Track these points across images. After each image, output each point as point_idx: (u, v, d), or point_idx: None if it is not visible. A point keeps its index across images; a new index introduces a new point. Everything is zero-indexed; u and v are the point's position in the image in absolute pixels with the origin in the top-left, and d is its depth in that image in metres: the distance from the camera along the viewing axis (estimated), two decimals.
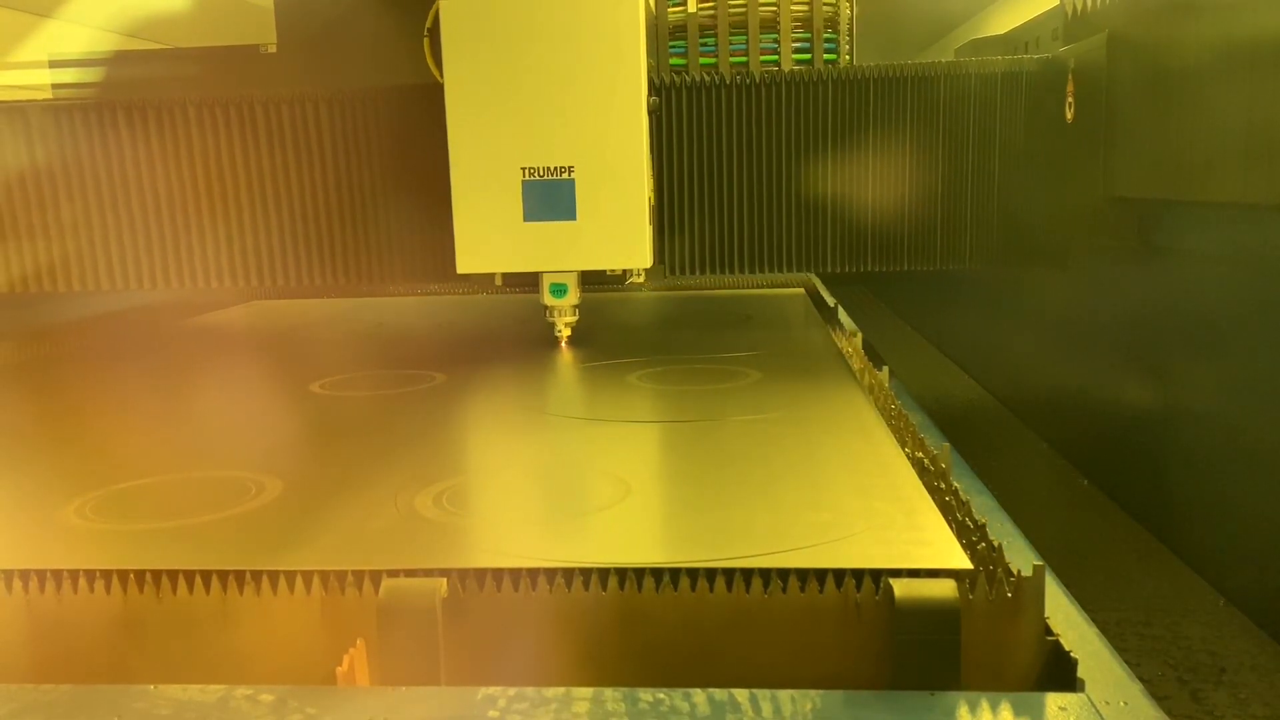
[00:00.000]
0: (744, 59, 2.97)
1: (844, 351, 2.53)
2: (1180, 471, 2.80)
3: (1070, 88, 2.80)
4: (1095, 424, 3.42)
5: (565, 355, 2.68)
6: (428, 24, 2.73)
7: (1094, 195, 2.85)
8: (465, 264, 2.52)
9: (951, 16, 5.90)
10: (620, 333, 3.13)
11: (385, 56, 2.89)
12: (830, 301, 3.39)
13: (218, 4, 5.21)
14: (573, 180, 2.47)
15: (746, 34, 2.95)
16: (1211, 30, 2.41)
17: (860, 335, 2.58)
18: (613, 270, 2.56)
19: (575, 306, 2.63)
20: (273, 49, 3.01)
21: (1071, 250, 2.89)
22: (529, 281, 2.61)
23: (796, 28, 2.92)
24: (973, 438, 2.11)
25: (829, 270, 2.91)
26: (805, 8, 2.90)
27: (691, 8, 2.93)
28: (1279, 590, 2.28)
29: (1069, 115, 2.82)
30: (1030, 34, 3.91)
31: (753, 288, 3.88)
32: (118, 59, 3.26)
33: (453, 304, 3.77)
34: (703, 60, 2.97)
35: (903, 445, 1.65)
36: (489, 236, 2.49)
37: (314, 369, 2.59)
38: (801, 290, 3.78)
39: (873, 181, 2.83)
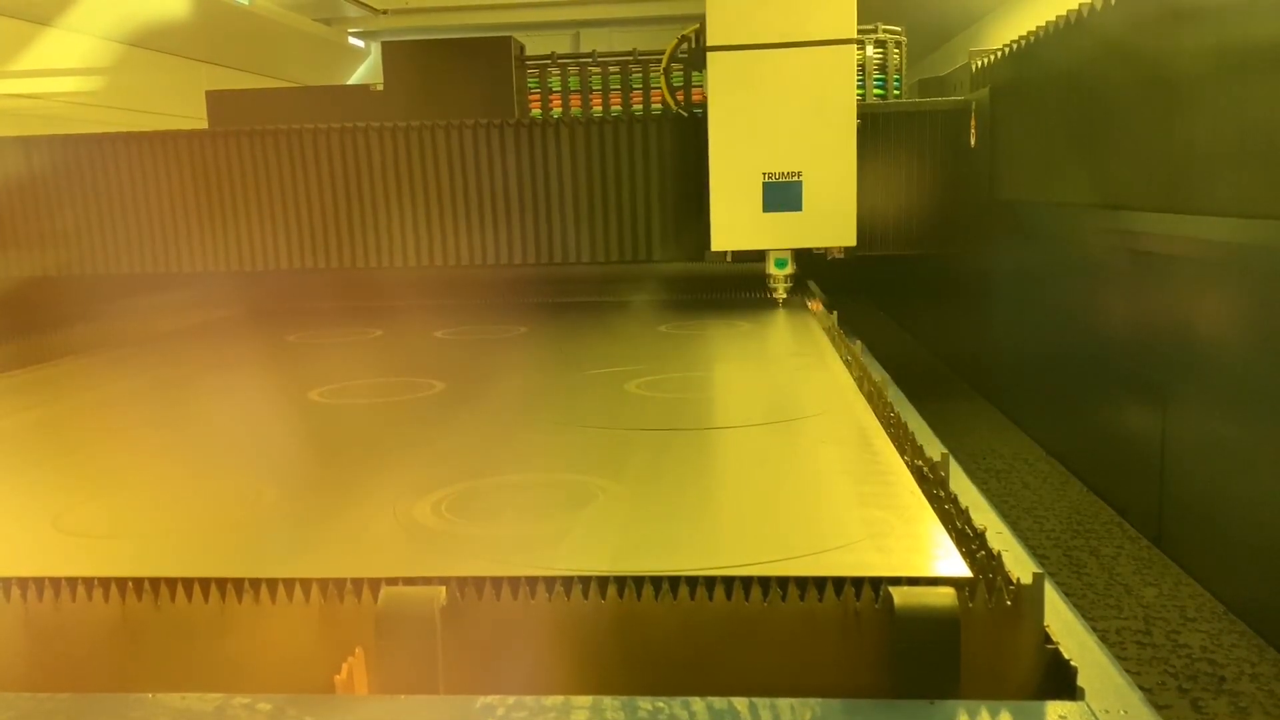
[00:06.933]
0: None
1: (842, 357, 2.53)
2: (1038, 377, 3.90)
3: (973, 122, 3.90)
4: (1000, 364, 4.45)
5: (567, 360, 2.75)
6: (663, 64, 3.66)
7: (985, 198, 3.99)
8: (718, 243, 3.39)
9: (949, 27, 5.95)
10: (617, 340, 3.14)
11: (474, 95, 3.71)
12: (826, 305, 3.40)
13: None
14: (800, 181, 3.32)
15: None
16: (1047, 88, 3.49)
17: (860, 342, 2.58)
18: (818, 250, 3.43)
19: (789, 275, 3.49)
20: (380, 87, 3.80)
21: (968, 239, 3.92)
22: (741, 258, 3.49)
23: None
24: (913, 384, 2.41)
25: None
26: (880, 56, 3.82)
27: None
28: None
29: (973, 142, 3.91)
30: (958, 78, 4.92)
31: (748, 290, 3.88)
32: (264, 94, 4.12)
33: (450, 310, 3.77)
34: None
35: (902, 453, 1.65)
36: (736, 223, 3.38)
37: (313, 376, 2.59)
38: (799, 295, 3.78)
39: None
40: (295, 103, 3.86)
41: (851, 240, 3.34)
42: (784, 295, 3.53)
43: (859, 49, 3.59)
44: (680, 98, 3.70)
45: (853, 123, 3.29)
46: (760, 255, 3.50)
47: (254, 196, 3.62)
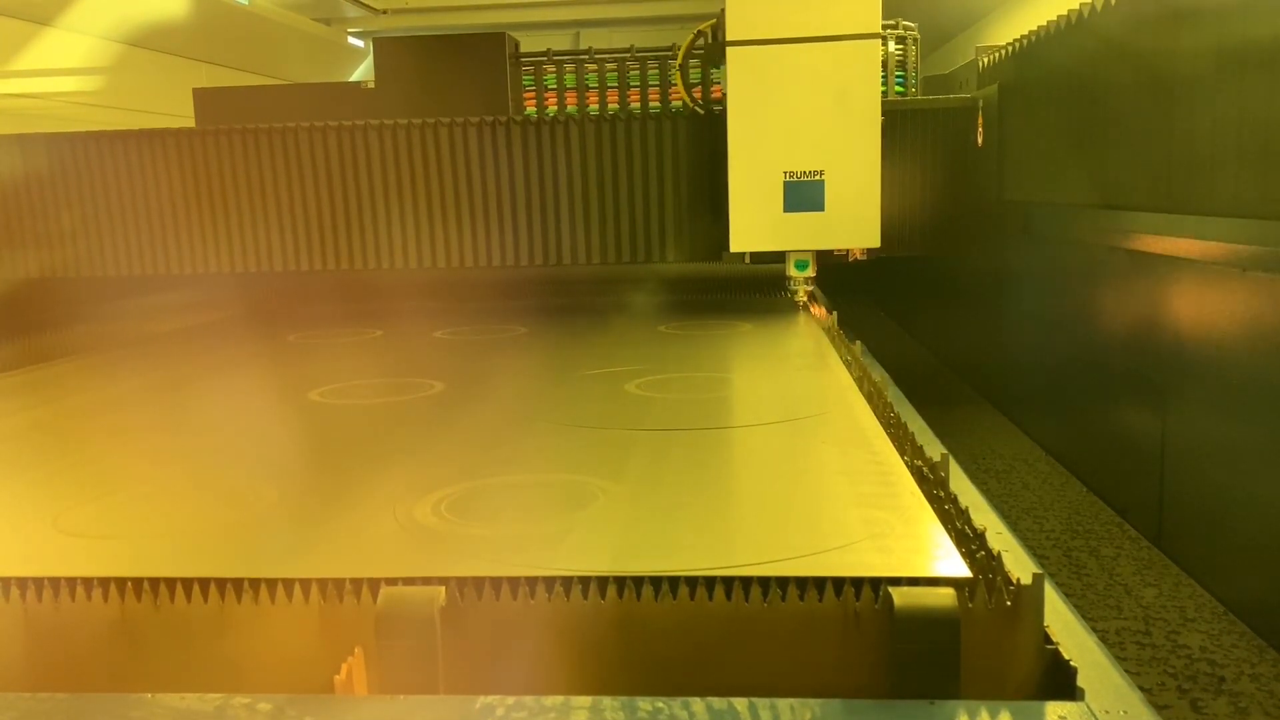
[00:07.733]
0: None
1: (842, 358, 2.53)
2: (1039, 378, 4.06)
3: (980, 120, 3.78)
4: (1001, 362, 4.61)
5: (566, 360, 2.75)
6: (678, 60, 3.56)
7: (992, 198, 4.00)
8: (737, 244, 3.29)
9: (949, 26, 5.96)
10: (617, 341, 3.14)
11: (467, 92, 3.68)
12: (827, 306, 3.40)
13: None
14: (823, 181, 3.22)
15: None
16: (1053, 87, 3.61)
17: (859, 343, 2.58)
18: (839, 251, 3.32)
19: (810, 278, 3.40)
20: (371, 85, 3.78)
21: (975, 240, 3.82)
22: (762, 259, 3.40)
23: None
24: (913, 385, 2.42)
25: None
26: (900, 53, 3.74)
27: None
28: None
29: (979, 141, 3.78)
30: (963, 75, 4.92)
31: (749, 293, 3.88)
32: (253, 91, 4.08)
33: (450, 312, 3.77)
34: None
35: (902, 453, 1.65)
36: (756, 223, 3.26)
37: (313, 377, 2.59)
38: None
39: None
40: (285, 101, 3.78)
41: (875, 241, 3.24)
42: (804, 298, 3.46)
43: (882, 45, 3.53)
44: (698, 95, 3.61)
45: (877, 120, 3.21)
46: (769, 256, 3.40)
47: (247, 197, 3.53)
